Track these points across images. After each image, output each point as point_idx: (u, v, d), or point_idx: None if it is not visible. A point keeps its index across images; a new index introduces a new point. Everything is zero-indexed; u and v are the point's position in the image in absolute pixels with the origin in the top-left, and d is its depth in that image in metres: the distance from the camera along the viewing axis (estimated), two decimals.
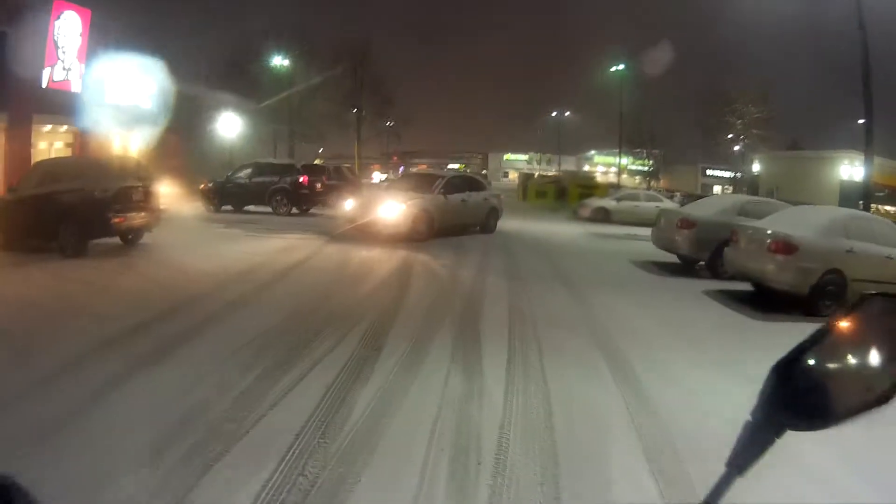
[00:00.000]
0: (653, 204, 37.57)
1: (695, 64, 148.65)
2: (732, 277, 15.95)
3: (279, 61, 60.30)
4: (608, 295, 14.33)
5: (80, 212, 17.17)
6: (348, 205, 23.52)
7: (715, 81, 73.29)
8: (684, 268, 19.06)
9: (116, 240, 18.97)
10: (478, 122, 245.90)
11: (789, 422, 1.34)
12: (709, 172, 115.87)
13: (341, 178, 36.86)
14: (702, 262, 18.51)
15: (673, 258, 19.61)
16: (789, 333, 10.02)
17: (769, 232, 14.43)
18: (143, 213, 18.89)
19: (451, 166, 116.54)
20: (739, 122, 71.37)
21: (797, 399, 1.34)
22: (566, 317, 11.85)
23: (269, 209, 31.01)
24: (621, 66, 69.53)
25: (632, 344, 9.94)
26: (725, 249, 15.99)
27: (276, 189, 31.03)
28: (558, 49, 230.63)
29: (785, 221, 15.34)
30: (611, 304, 13.33)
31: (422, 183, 24.67)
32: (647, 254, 21.21)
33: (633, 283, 16.48)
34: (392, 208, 21.54)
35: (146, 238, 19.85)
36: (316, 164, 35.98)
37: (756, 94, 70.37)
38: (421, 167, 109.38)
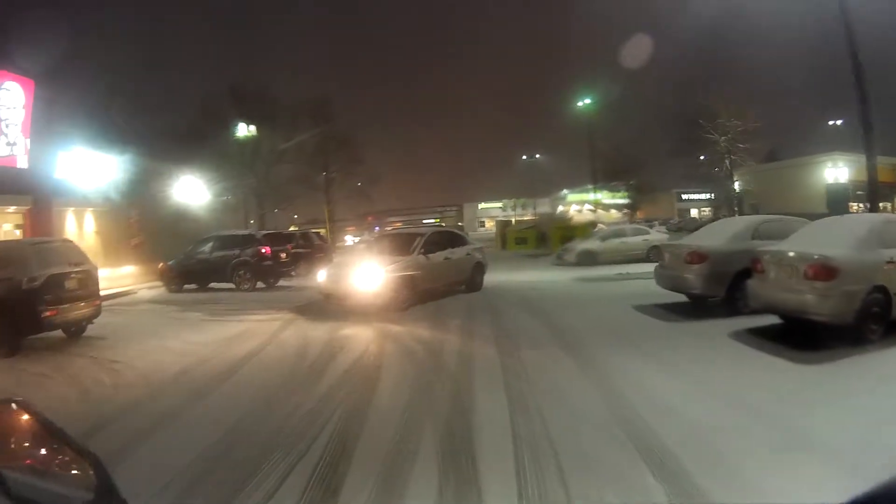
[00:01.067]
0: (640, 237, 36.03)
1: (665, 87, 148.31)
2: (753, 311, 13.56)
3: (241, 126, 58.46)
4: (620, 355, 11.65)
5: (7, 305, 15.28)
6: (320, 275, 20.99)
7: (688, 101, 70.50)
8: (694, 306, 16.66)
9: (59, 332, 16.97)
10: (449, 175, 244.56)
11: None
12: (684, 196, 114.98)
13: (309, 245, 34.76)
14: (715, 298, 15.84)
15: (676, 296, 17.24)
16: (856, 377, 9.47)
17: (797, 255, 12.18)
18: (79, 304, 16.82)
19: (426, 221, 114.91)
20: (724, 137, 67.89)
21: None
22: (579, 398, 9.09)
23: (232, 285, 28.58)
24: (587, 101, 67.32)
25: (679, 436, 7.19)
26: (748, 282, 13.53)
27: (238, 263, 28.65)
28: (524, 91, 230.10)
29: (813, 240, 12.98)
30: (627, 368, 10.68)
31: (399, 243, 21.99)
32: (647, 294, 18.92)
33: (644, 335, 13.71)
34: (367, 276, 18.94)
35: (94, 328, 17.85)
36: (279, 232, 33.41)
37: (738, 107, 66.76)
38: (395, 225, 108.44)
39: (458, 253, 22.86)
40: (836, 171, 65.60)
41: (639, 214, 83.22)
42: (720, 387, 9.39)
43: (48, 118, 29.98)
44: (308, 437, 7.90)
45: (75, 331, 17.57)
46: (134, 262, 35.12)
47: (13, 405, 2.34)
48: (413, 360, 12.16)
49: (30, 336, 16.08)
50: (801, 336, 12.07)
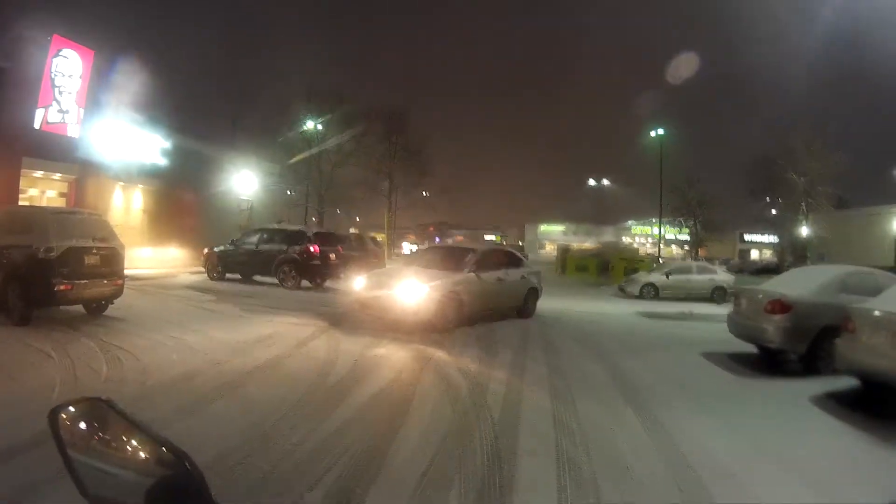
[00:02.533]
0: (706, 276, 34.66)
1: (741, 127, 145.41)
2: (835, 372, 11.71)
3: (311, 124, 57.33)
4: (691, 419, 9.69)
5: (20, 273, 14.86)
6: (359, 281, 18.82)
7: (764, 141, 67.92)
8: (768, 360, 14.71)
9: (80, 308, 16.31)
10: (514, 193, 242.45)
11: None
12: (746, 238, 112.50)
13: (363, 249, 33.29)
14: (792, 354, 14.01)
15: (748, 346, 15.25)
16: None
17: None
18: (99, 281, 15.77)
19: (487, 237, 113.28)
20: (803, 178, 63.94)
21: None
22: (647, 475, 7.18)
23: (276, 281, 27.21)
24: (660, 131, 65.06)
25: None
26: (837, 341, 11.41)
27: (283, 259, 27.21)
28: (598, 115, 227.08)
29: None
30: (700, 437, 8.72)
31: (451, 257, 19.81)
32: (717, 341, 17.05)
33: (714, 393, 11.82)
34: (412, 289, 16.78)
35: (118, 308, 16.81)
36: (331, 232, 31.78)
37: (821, 147, 62.47)
38: (457, 238, 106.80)
39: (512, 275, 20.69)
40: None
41: (700, 252, 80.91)
42: (809, 471, 7.51)
43: (107, 91, 29.06)
44: (304, 484, 6.26)
45: (96, 308, 16.59)
46: (182, 246, 34.09)
47: (101, 403, 2.12)
48: (450, 397, 10.16)
49: (42, 308, 15.28)
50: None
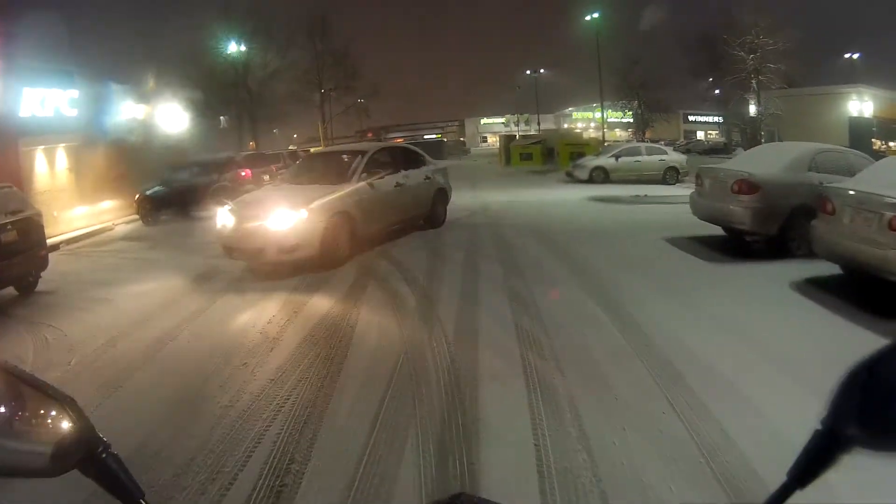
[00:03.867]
0: (657, 157, 34.10)
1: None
2: (810, 256, 10.99)
3: (232, 45, 55.09)
4: (665, 312, 8.96)
5: None
6: (221, 215, 14.66)
7: (707, 16, 65.84)
8: (735, 243, 13.88)
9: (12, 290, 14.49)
10: (450, 89, 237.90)
11: (860, 438, 1.10)
12: (690, 118, 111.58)
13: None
14: (761, 236, 13.11)
15: (710, 228, 14.38)
16: None
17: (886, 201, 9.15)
18: (21, 258, 14.07)
19: (427, 137, 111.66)
20: (752, 56, 60.73)
21: (872, 412, 1.10)
22: (626, 386, 6.52)
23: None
24: (595, 14, 63.48)
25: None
26: (814, 223, 10.64)
27: (216, 189, 25.83)
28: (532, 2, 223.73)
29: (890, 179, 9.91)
30: (677, 331, 8.06)
31: (335, 167, 16.37)
32: (677, 224, 16.26)
33: (686, 279, 11.10)
34: (285, 218, 13.28)
35: (50, 279, 15.38)
36: (262, 153, 30.57)
37: (771, 22, 59.32)
38: (397, 141, 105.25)
39: (414, 177, 17.44)
40: (861, 105, 62.13)
41: (647, 135, 80.00)
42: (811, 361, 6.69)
43: (7, 53, 26.87)
44: None
45: (27, 286, 14.96)
46: (115, 197, 32.27)
47: None
48: (338, 390, 7.03)
49: None
50: (872, 293, 9.41)
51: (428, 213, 18.18)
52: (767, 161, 13.87)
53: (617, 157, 33.91)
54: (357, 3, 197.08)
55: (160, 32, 55.26)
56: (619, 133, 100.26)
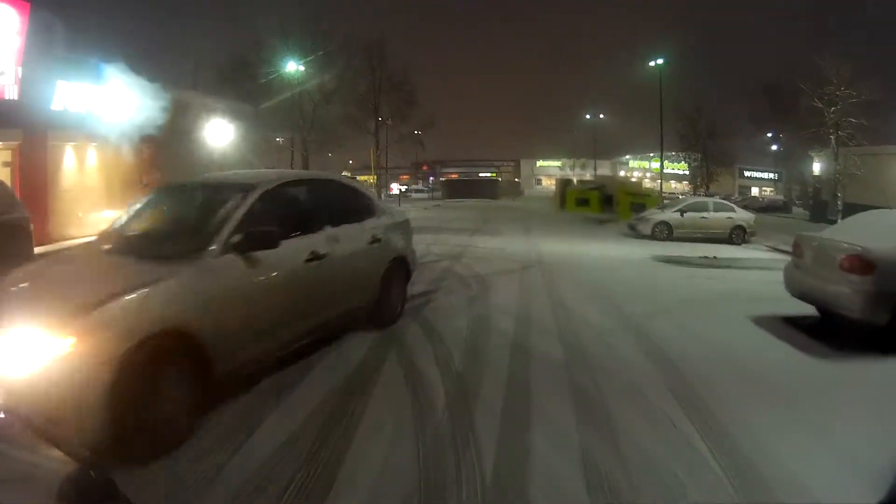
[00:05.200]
0: (724, 214, 31.23)
1: (750, 52, 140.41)
2: None
3: (290, 64, 52.48)
4: (779, 437, 6.39)
5: None
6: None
7: (767, 65, 62.37)
8: (835, 329, 11.16)
9: None
10: (506, 128, 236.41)
11: None
12: (746, 173, 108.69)
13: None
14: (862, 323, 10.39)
15: (800, 305, 11.86)
16: None
17: None
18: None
19: (482, 175, 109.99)
20: (833, 108, 55.07)
21: None
22: None
23: None
24: (660, 61, 60.89)
25: None
26: None
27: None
28: (592, 45, 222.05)
29: None
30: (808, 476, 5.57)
31: (186, 217, 8.67)
32: (755, 296, 14.38)
33: (795, 384, 8.41)
34: (18, 349, 5.59)
35: None
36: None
37: (851, 74, 52.07)
38: (451, 177, 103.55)
39: (349, 239, 9.65)
40: None
41: (708, 189, 77.14)
42: None
43: (47, 44, 25.59)
44: None
45: None
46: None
47: None
48: None
49: None
50: None
51: (373, 303, 10.31)
52: (879, 233, 11.29)
53: (682, 212, 31.31)
54: (417, 35, 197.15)
55: (216, 43, 53.41)
56: (673, 185, 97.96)
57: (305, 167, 55.43)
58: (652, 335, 10.50)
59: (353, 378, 8.15)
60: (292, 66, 51.96)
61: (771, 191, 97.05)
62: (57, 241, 25.24)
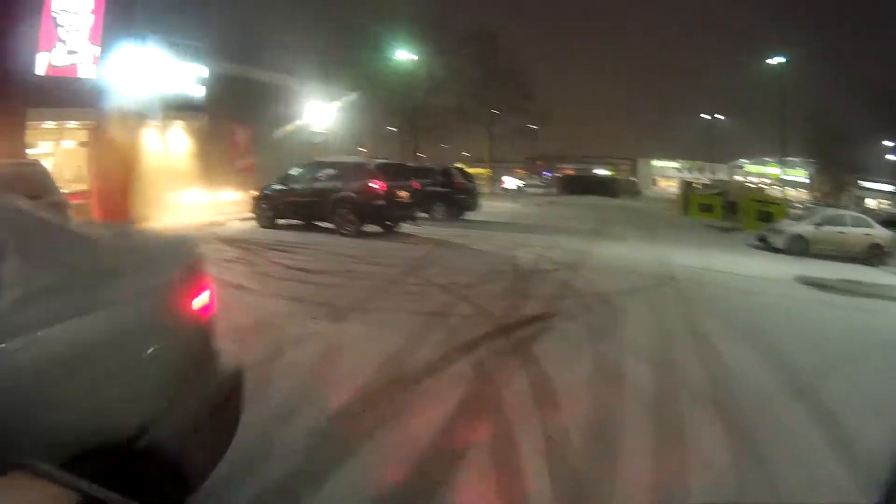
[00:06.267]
0: (861, 230, 26.90)
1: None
2: None
3: (397, 50, 49.67)
4: None
5: None
6: None
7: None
8: None
9: None
10: (622, 124, 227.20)
11: None
12: (863, 184, 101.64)
13: (449, 184, 27.18)
14: None
15: None
16: None
17: None
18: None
19: (597, 172, 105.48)
20: None
21: None
22: None
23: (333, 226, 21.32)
24: (781, 60, 56.23)
25: None
26: None
27: (339, 199, 20.99)
28: (711, 41, 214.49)
29: None
30: None
31: None
32: None
33: None
34: None
35: None
36: (402, 164, 25.32)
37: None
38: (566, 172, 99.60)
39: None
40: None
41: (818, 196, 72.07)
42: None
43: (125, 24, 23.83)
44: None
45: None
46: (239, 189, 28.47)
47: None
48: None
49: None
50: None
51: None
52: None
53: (818, 225, 27.13)
54: (532, 27, 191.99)
55: (322, 28, 50.96)
56: (790, 192, 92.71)
57: (415, 156, 52.95)
58: (836, 412, 6.95)
59: None
60: (401, 54, 49.27)
61: (889, 204, 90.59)
62: (139, 222, 23.27)
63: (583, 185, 75.90)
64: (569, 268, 15.92)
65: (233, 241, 19.20)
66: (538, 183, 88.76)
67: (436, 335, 8.96)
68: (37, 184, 11.76)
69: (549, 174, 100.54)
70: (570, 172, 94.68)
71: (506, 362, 7.89)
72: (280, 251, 17.01)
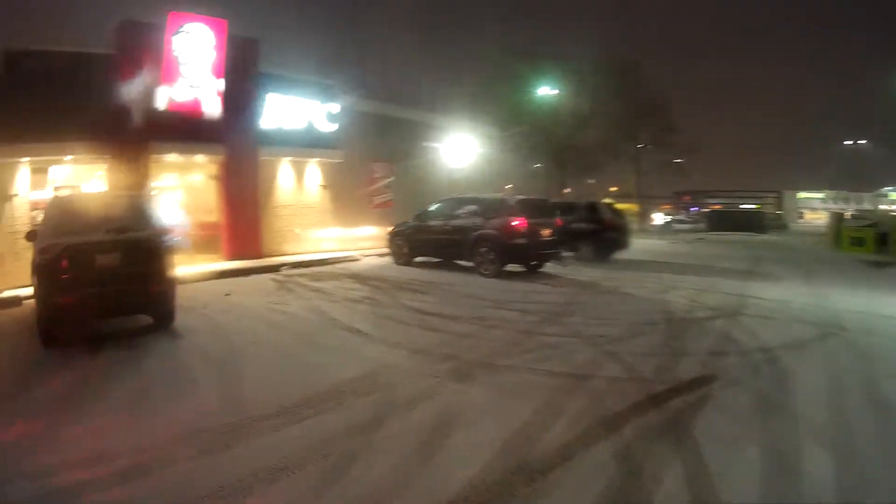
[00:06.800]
0: None
1: None
2: None
3: (541, 88, 47.35)
4: None
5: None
6: None
7: None
8: None
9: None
10: (766, 156, 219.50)
11: None
12: None
13: (597, 220, 25.23)
14: None
15: None
16: None
17: None
18: (120, 289, 10.66)
19: (743, 206, 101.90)
20: None
21: None
22: None
23: (472, 265, 20.07)
24: None
25: None
26: None
27: (478, 237, 19.63)
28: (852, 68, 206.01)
29: None
30: None
31: None
32: None
33: None
34: None
35: (209, 314, 13.16)
36: (544, 200, 23.39)
37: None
38: (713, 207, 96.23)
39: None
40: None
41: None
42: None
43: (249, 60, 24.06)
44: None
45: (163, 315, 11.67)
46: (376, 224, 28.00)
47: None
48: None
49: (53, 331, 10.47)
50: None
51: None
52: None
53: None
54: (675, 60, 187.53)
55: (463, 65, 50.50)
56: None
57: (561, 192, 51.57)
58: None
59: None
60: (544, 90, 47.42)
61: None
62: (269, 255, 24.03)
63: (730, 221, 72.52)
64: (726, 315, 13.94)
65: (363, 278, 18.48)
66: (685, 218, 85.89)
67: (574, 403, 7.49)
68: (136, 215, 11.63)
69: (696, 209, 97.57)
70: (717, 207, 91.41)
71: (657, 447, 6.29)
72: (411, 291, 16.06)
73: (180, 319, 12.18)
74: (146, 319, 11.75)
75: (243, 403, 7.50)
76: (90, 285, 10.31)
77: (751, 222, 70.95)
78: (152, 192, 20.20)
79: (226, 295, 15.86)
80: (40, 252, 10.36)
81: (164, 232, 11.63)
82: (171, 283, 11.59)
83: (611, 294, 16.49)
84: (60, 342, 10.38)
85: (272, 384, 8.31)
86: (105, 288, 10.45)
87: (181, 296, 12.70)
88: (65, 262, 10.25)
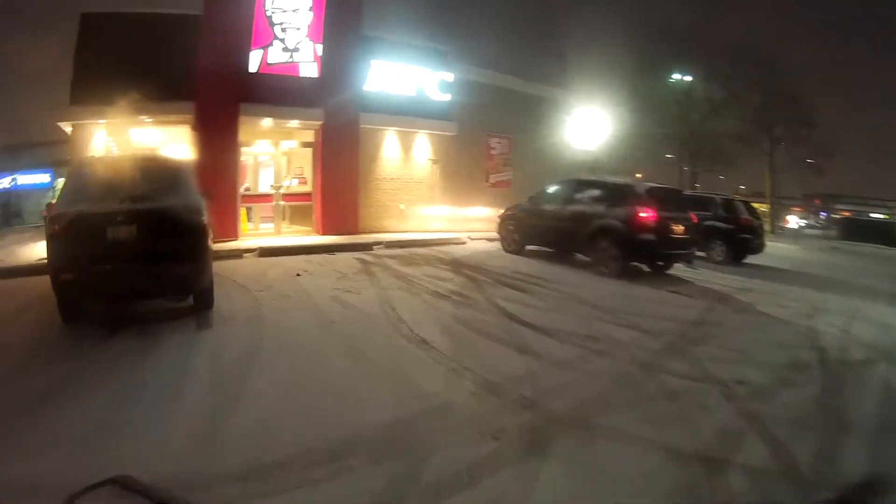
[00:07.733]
0: None
1: None
2: None
3: (675, 72, 45.57)
4: None
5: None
6: None
7: None
8: None
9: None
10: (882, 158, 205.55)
11: None
12: None
13: (733, 220, 21.54)
14: None
15: None
16: None
17: None
18: (146, 265, 8.65)
19: (873, 215, 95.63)
20: None
21: None
22: None
23: (589, 261, 16.41)
24: None
25: None
26: None
27: (598, 228, 15.82)
28: None
29: None
30: None
31: None
32: None
33: None
34: None
35: (262, 296, 11.03)
36: (675, 190, 19.46)
37: None
38: (843, 213, 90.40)
39: None
40: None
41: None
42: None
43: (351, 22, 21.65)
44: None
45: (196, 300, 9.72)
46: (490, 205, 25.00)
47: (118, 484, 2.12)
48: None
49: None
50: None
51: None
52: None
53: None
54: (814, 55, 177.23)
55: (594, 44, 47.77)
56: None
57: (693, 185, 47.59)
58: None
59: None
60: (677, 77, 44.92)
61: None
62: (367, 231, 21.76)
63: (863, 231, 67.47)
64: (888, 358, 10.02)
65: (461, 266, 15.56)
66: (815, 224, 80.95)
67: None
68: (160, 180, 9.59)
69: (826, 214, 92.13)
70: (848, 215, 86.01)
71: None
72: (511, 288, 12.81)
73: (229, 302, 10.40)
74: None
75: (205, 450, 5.00)
76: (97, 262, 8.38)
77: (882, 234, 65.79)
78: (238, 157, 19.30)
79: (297, 275, 13.58)
80: (49, 222, 8.64)
81: (196, 202, 9.42)
82: (204, 263, 9.36)
83: (748, 314, 12.49)
84: (82, 319, 8.95)
85: (265, 420, 5.65)
86: (117, 266, 8.46)
87: (247, 273, 12.28)
88: (69, 235, 8.39)
